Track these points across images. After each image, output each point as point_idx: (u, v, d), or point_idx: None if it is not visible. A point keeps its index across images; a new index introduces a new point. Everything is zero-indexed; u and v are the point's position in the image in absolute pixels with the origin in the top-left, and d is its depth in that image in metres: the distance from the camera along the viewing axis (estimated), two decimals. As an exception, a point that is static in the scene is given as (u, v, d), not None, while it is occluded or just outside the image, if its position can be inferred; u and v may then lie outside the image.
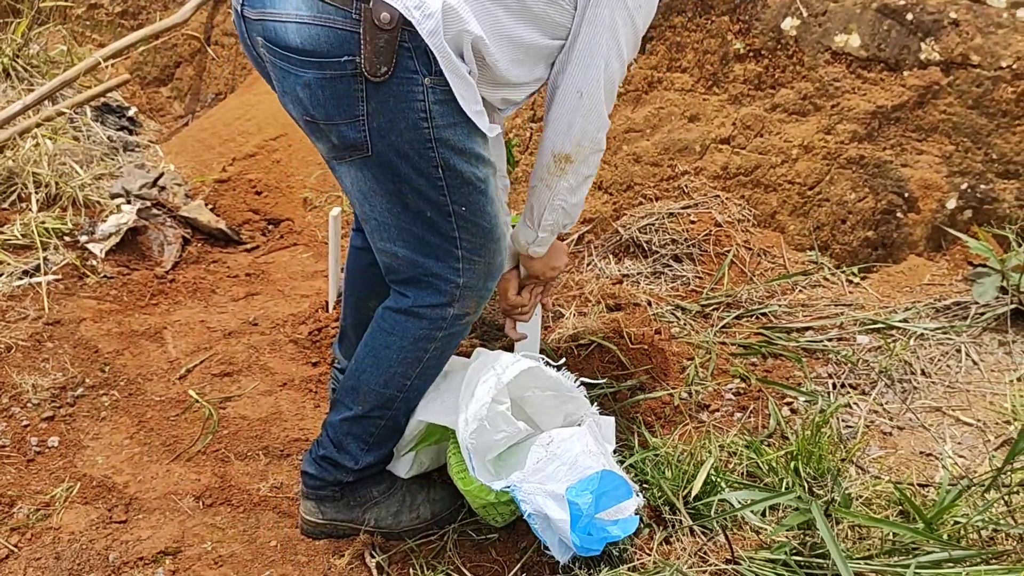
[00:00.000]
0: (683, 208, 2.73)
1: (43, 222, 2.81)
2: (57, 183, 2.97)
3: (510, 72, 1.57)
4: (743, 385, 2.16)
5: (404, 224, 1.59)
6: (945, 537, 1.57)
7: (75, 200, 2.96)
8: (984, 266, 2.31)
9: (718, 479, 1.77)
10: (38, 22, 4.04)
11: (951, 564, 1.51)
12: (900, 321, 2.27)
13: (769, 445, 1.93)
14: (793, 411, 2.07)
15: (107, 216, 2.91)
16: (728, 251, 2.62)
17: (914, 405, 2.04)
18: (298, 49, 1.44)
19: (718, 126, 2.79)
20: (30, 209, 2.88)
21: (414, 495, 1.83)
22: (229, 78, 4.03)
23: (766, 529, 1.68)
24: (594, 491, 1.57)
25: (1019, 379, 2.06)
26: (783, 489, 1.74)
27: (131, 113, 3.81)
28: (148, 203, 3.02)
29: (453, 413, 1.71)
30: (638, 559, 1.66)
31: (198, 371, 2.36)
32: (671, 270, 2.62)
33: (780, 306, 2.43)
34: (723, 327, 2.38)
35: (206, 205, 3.18)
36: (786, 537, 1.63)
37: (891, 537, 1.60)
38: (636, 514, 1.65)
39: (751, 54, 2.74)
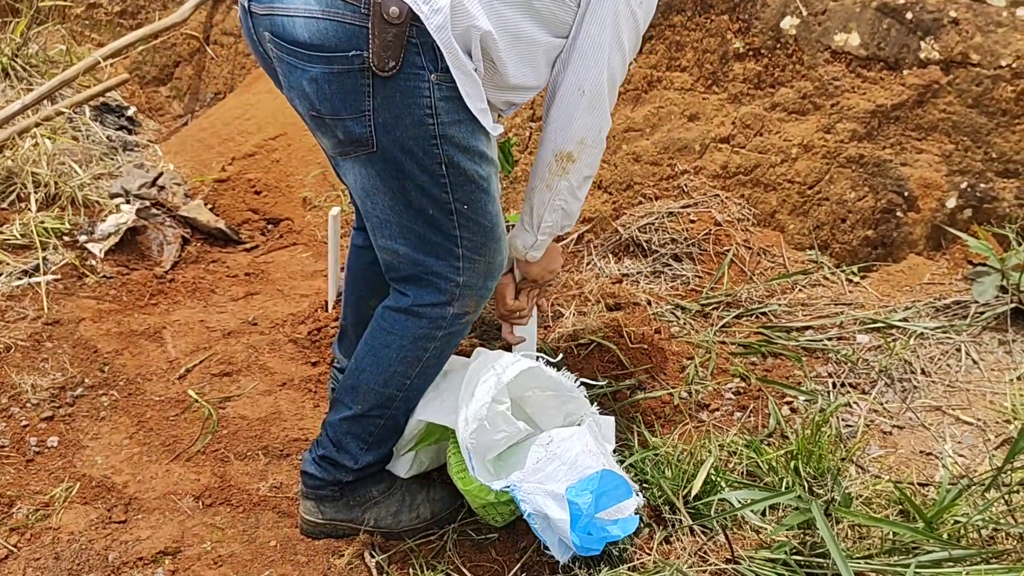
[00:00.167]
0: (683, 207, 2.73)
1: (42, 222, 2.81)
2: (56, 183, 2.97)
3: (518, 74, 1.57)
4: (743, 384, 2.16)
5: (406, 222, 1.59)
6: (945, 536, 1.57)
7: (74, 200, 2.96)
8: (984, 265, 2.31)
9: (718, 479, 1.77)
10: (37, 21, 4.03)
11: (951, 563, 1.51)
12: (900, 320, 2.27)
13: (769, 444, 1.93)
14: (793, 410, 2.07)
15: (106, 216, 2.91)
16: (728, 250, 2.62)
17: (914, 404, 2.04)
18: (306, 43, 1.44)
19: (718, 125, 2.79)
20: (29, 209, 2.88)
21: (414, 495, 1.83)
22: (228, 77, 4.03)
23: (766, 529, 1.68)
24: (594, 491, 1.57)
25: (1019, 378, 2.06)
26: (783, 489, 1.74)
27: (130, 113, 3.80)
28: (147, 203, 3.02)
29: (453, 413, 1.71)
30: (638, 559, 1.66)
31: (197, 371, 2.36)
32: (671, 269, 2.62)
33: (780, 305, 2.43)
34: (723, 326, 2.37)
35: (205, 205, 3.18)
36: (786, 537, 1.63)
37: (891, 536, 1.60)
38: (636, 514, 1.65)
39: (751, 53, 2.73)
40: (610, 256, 2.73)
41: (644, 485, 1.82)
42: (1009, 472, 1.70)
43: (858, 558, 1.57)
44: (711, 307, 2.46)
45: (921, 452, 1.91)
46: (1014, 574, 1.44)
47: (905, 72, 2.51)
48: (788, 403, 2.09)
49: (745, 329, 2.36)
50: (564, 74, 1.63)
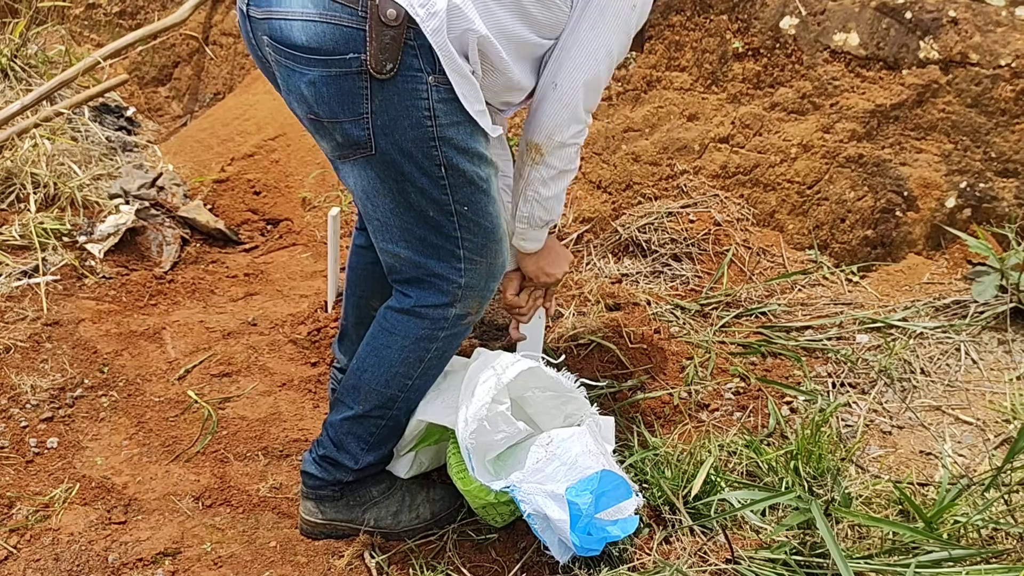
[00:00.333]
0: (682, 207, 2.73)
1: (41, 223, 2.81)
2: (55, 183, 2.97)
3: (516, 76, 1.58)
4: (743, 384, 2.16)
5: (406, 224, 1.59)
6: (945, 536, 1.57)
7: (73, 200, 2.96)
8: (983, 265, 2.31)
9: (718, 479, 1.77)
10: (36, 22, 4.03)
11: (951, 563, 1.51)
12: (899, 320, 2.27)
13: (769, 444, 1.93)
14: (793, 410, 2.07)
15: (106, 216, 2.91)
16: (727, 250, 2.62)
17: (914, 404, 2.04)
18: (304, 47, 1.44)
19: (717, 125, 2.79)
20: (28, 210, 2.88)
21: (414, 495, 1.83)
22: (227, 78, 4.03)
23: (766, 529, 1.68)
24: (594, 491, 1.57)
25: (1018, 378, 2.06)
26: (783, 489, 1.74)
27: (129, 113, 3.80)
28: (147, 203, 3.02)
29: (453, 413, 1.71)
30: (638, 559, 1.66)
31: (197, 372, 2.36)
32: (670, 269, 2.62)
33: (779, 305, 2.43)
34: (722, 326, 2.38)
35: (205, 205, 3.18)
36: (786, 537, 1.63)
37: (891, 536, 1.60)
38: (636, 514, 1.65)
39: (750, 53, 2.73)
40: (610, 256, 2.73)
41: (644, 485, 1.82)
42: (1009, 472, 1.70)
43: (858, 558, 1.57)
44: (711, 307, 2.46)
45: (921, 452, 1.91)
46: (1014, 574, 1.44)
47: (904, 72, 2.51)
48: (788, 403, 2.09)
49: (745, 329, 2.36)
50: (546, 69, 1.64)
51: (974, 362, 2.13)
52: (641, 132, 2.90)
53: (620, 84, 2.94)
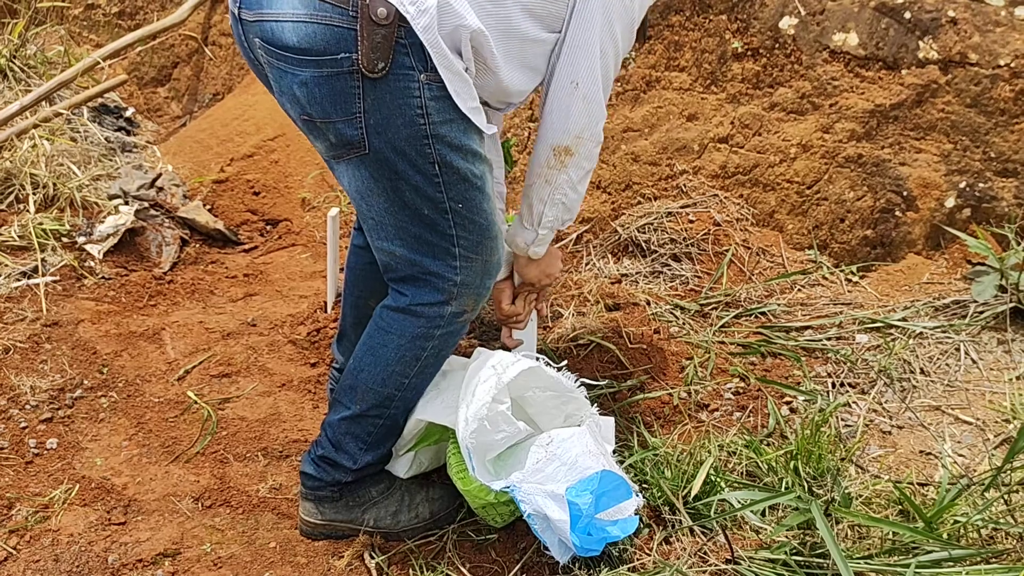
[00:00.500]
0: (682, 207, 2.73)
1: (41, 223, 2.81)
2: (55, 184, 2.96)
3: (511, 72, 1.57)
4: (742, 384, 2.16)
5: (401, 222, 1.59)
6: (945, 536, 1.57)
7: (73, 201, 2.95)
8: (983, 264, 2.31)
9: (718, 479, 1.77)
10: (35, 22, 4.03)
11: (951, 563, 1.51)
12: (899, 320, 2.27)
13: (769, 445, 1.93)
14: (792, 410, 2.07)
15: (105, 217, 2.91)
16: (727, 250, 2.62)
17: (913, 404, 2.04)
18: (295, 48, 1.44)
19: (716, 125, 2.79)
20: (28, 210, 2.88)
21: (413, 495, 1.83)
22: (227, 78, 4.03)
23: (766, 529, 1.68)
24: (594, 491, 1.57)
25: (1018, 377, 2.06)
26: (783, 489, 1.74)
27: (129, 114, 3.80)
28: (146, 204, 3.02)
29: (453, 413, 1.71)
30: (638, 559, 1.66)
31: (197, 372, 2.36)
32: (670, 269, 2.62)
33: (779, 305, 2.43)
34: (722, 326, 2.37)
35: (204, 206, 3.17)
36: (786, 537, 1.63)
37: (891, 536, 1.60)
38: (636, 514, 1.65)
39: (749, 53, 2.73)
40: (609, 256, 2.73)
41: (644, 485, 1.81)
42: (1009, 472, 1.70)
43: (858, 558, 1.57)
44: (710, 307, 2.46)
45: (920, 452, 1.91)
46: (1014, 574, 1.44)
47: (904, 72, 2.51)
48: (787, 403, 2.09)
49: (744, 329, 2.36)
50: (557, 68, 1.62)
51: (974, 362, 2.13)
52: (640, 132, 2.90)
53: (619, 84, 2.94)
